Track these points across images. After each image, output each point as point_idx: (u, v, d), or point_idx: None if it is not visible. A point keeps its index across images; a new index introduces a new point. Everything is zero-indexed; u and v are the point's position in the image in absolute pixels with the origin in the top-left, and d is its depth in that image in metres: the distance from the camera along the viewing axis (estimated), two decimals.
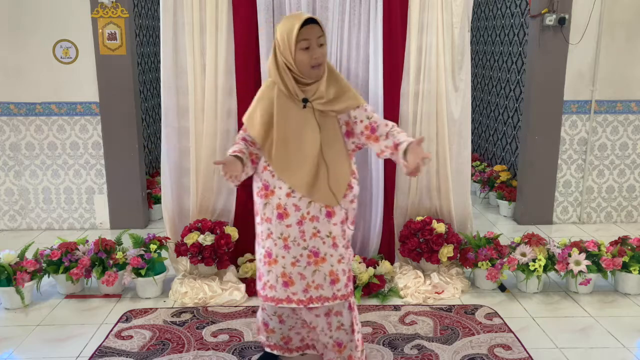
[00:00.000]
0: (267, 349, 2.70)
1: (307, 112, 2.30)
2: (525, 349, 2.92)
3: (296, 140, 2.31)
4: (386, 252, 3.78)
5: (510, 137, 5.68)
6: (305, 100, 2.28)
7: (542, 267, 3.47)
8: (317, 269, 2.38)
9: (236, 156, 2.29)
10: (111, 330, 3.11)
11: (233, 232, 3.52)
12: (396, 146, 2.30)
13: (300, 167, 2.30)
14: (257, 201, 2.41)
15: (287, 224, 2.35)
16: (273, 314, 2.57)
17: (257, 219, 2.45)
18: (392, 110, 3.60)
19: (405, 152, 2.23)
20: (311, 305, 2.42)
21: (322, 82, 2.29)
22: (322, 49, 2.25)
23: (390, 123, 2.39)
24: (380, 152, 2.38)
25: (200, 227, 3.54)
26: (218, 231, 3.51)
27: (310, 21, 2.22)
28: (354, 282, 3.46)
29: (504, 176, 5.41)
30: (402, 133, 2.34)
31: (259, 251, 2.46)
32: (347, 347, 2.54)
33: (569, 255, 3.51)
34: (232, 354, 2.88)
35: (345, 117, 2.38)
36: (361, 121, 2.36)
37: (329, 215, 2.35)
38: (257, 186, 2.41)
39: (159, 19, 3.65)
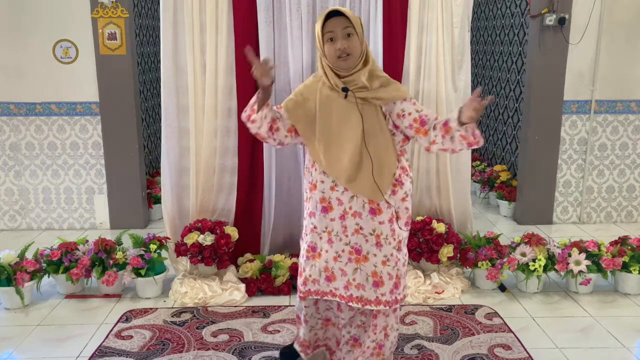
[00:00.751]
0: (295, 343, 2.73)
1: (349, 103, 2.27)
2: (525, 349, 2.92)
3: (338, 130, 2.30)
4: None
5: (510, 137, 5.68)
6: (345, 90, 2.26)
7: (542, 267, 3.48)
8: (359, 267, 2.34)
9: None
10: (111, 330, 3.11)
11: (233, 232, 3.52)
12: (446, 124, 2.25)
13: (342, 158, 2.28)
14: (307, 196, 2.43)
15: (331, 218, 2.34)
16: (303, 308, 2.59)
17: (305, 214, 2.47)
18: None
19: (459, 121, 2.20)
20: (350, 304, 2.39)
21: (361, 74, 2.26)
22: (349, 40, 2.21)
23: (440, 117, 2.34)
24: (432, 144, 2.31)
25: (200, 227, 3.54)
26: (218, 231, 3.51)
27: (336, 13, 2.22)
28: None
29: (504, 176, 5.41)
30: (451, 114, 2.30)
31: (302, 246, 2.47)
32: (361, 346, 2.52)
33: (569, 255, 3.51)
34: (232, 354, 2.88)
35: (390, 110, 2.33)
36: (409, 114, 2.30)
37: (373, 212, 2.30)
38: (307, 181, 2.43)
39: (159, 18, 3.65)
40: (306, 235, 2.43)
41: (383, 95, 2.27)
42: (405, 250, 2.42)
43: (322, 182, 2.34)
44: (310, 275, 2.42)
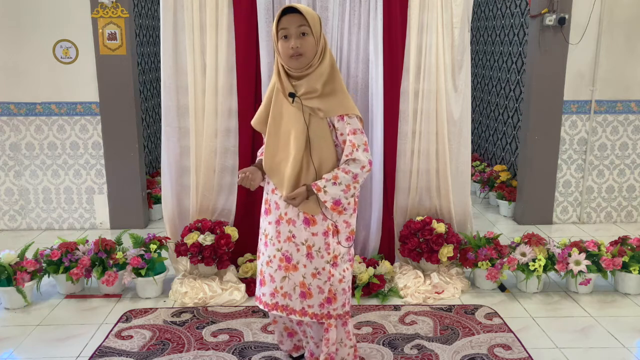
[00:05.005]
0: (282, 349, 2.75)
1: (297, 110, 2.21)
2: (525, 349, 2.92)
3: (285, 137, 2.24)
4: (386, 252, 3.78)
5: (510, 137, 5.68)
6: (292, 95, 2.19)
7: (542, 267, 3.48)
8: (287, 276, 2.28)
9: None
10: (111, 330, 3.11)
11: (233, 232, 3.52)
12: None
13: (285, 165, 2.24)
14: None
15: (269, 221, 2.32)
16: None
17: None
18: (392, 110, 3.60)
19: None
20: (274, 312, 2.35)
21: (313, 77, 2.18)
22: (303, 39, 2.14)
23: (350, 158, 2.21)
24: None
25: (200, 227, 3.54)
26: (218, 231, 3.51)
27: (292, 10, 2.15)
28: (354, 282, 3.46)
29: (504, 176, 5.41)
30: (340, 172, 2.20)
31: None
32: None
33: (569, 255, 3.51)
34: (232, 354, 2.88)
35: (332, 122, 2.25)
36: (341, 134, 2.24)
37: (307, 222, 2.24)
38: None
39: (159, 19, 3.65)
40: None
41: (323, 107, 2.18)
42: (344, 266, 2.31)
43: (268, 183, 2.32)
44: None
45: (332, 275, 2.28)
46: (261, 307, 2.40)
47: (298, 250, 2.26)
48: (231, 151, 3.62)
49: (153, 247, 3.52)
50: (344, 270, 2.32)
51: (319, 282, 2.27)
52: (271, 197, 2.30)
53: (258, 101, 3.59)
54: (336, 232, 2.27)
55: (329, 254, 2.26)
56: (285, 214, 2.26)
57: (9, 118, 4.58)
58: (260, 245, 2.38)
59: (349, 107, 2.22)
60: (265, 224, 2.33)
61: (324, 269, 2.26)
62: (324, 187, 2.17)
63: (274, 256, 2.30)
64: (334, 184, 2.17)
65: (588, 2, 4.51)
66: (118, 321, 3.21)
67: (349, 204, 2.28)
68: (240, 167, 3.62)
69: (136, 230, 4.25)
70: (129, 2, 4.41)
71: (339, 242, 2.28)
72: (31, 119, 4.59)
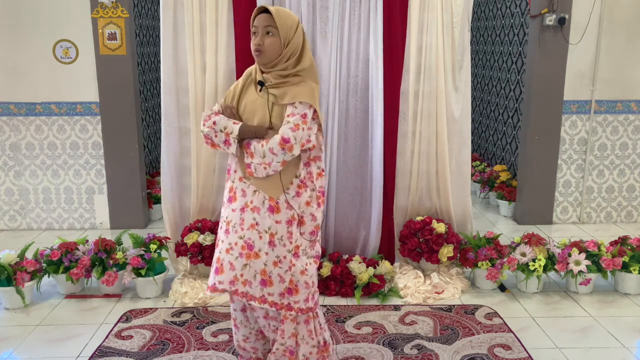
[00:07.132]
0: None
1: (262, 99, 2.28)
2: (525, 349, 2.92)
3: (249, 123, 2.31)
4: (386, 252, 3.78)
5: (510, 137, 5.68)
6: (261, 84, 2.27)
7: (542, 267, 3.48)
8: (248, 264, 2.27)
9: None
10: (111, 330, 3.11)
11: None
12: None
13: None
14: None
15: (233, 208, 2.32)
16: (232, 311, 2.54)
17: None
18: (392, 110, 3.60)
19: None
20: (235, 297, 2.39)
21: (273, 74, 2.26)
22: (266, 38, 2.22)
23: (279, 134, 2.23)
24: None
25: (200, 227, 3.54)
26: None
27: (265, 11, 2.25)
28: (354, 282, 3.47)
29: (504, 176, 5.41)
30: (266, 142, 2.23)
31: None
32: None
33: (569, 255, 3.51)
34: (232, 354, 2.88)
35: None
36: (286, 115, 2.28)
37: (272, 210, 2.25)
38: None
39: (159, 19, 3.65)
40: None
41: (278, 93, 2.25)
42: (307, 260, 2.32)
43: (235, 171, 2.34)
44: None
45: (293, 264, 2.28)
46: (217, 294, 2.41)
47: (261, 237, 2.26)
48: None
49: (153, 247, 3.52)
50: (307, 264, 2.32)
51: (280, 271, 2.27)
52: (237, 185, 2.32)
53: None
54: (301, 223, 2.30)
55: (291, 243, 2.28)
56: (251, 201, 2.27)
57: (9, 118, 4.58)
58: (220, 233, 2.36)
59: (301, 96, 2.24)
60: (229, 211, 2.33)
61: (285, 257, 2.27)
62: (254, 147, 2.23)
63: (236, 243, 2.29)
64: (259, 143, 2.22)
65: (588, 2, 4.51)
66: (118, 321, 3.21)
67: (253, 154, 2.25)
68: None
69: (136, 230, 4.25)
70: (129, 2, 4.41)
71: (302, 233, 2.30)
72: (31, 119, 4.59)
